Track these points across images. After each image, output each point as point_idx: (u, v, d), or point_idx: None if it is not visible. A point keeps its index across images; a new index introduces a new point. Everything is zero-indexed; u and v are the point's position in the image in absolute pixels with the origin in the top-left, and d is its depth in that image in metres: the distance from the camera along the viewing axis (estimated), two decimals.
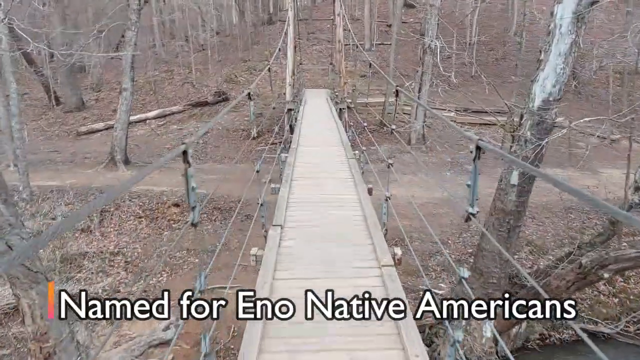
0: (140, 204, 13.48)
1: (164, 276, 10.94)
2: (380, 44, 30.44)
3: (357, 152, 9.07)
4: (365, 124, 14.83)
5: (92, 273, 10.72)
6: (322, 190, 6.85)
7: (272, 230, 5.30)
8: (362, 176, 7.62)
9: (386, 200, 5.74)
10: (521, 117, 8.34)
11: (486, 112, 22.48)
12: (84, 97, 25.77)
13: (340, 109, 17.97)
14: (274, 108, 16.17)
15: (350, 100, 19.68)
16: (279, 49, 13.51)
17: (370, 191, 6.63)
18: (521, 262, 12.15)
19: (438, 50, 16.89)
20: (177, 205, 13.45)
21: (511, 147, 8.49)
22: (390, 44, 30.65)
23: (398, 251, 4.65)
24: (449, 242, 12.44)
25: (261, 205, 5.65)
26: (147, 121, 22.40)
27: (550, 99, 7.86)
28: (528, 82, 8.77)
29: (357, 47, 23.29)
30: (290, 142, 10.51)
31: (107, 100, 25.73)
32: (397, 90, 5.04)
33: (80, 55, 20.66)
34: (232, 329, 9.75)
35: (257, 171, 5.67)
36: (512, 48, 28.44)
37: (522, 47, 23.94)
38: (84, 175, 16.49)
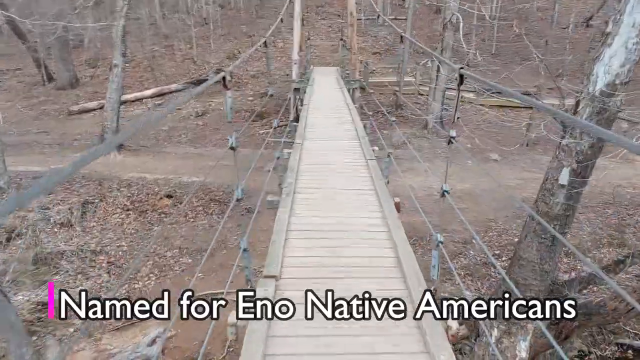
0: (129, 194, 12.13)
1: (152, 279, 9.65)
2: (393, 19, 28.54)
3: (376, 147, 7.69)
4: (392, 118, 13.36)
5: (70, 275, 9.46)
6: (336, 209, 5.12)
7: (260, 288, 3.50)
8: (386, 186, 5.88)
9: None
10: (577, 103, 6.81)
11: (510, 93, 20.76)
12: (78, 73, 24.30)
13: (351, 88, 16.47)
14: (271, 96, 14.67)
15: (362, 79, 18.14)
16: (281, 20, 11.76)
17: (397, 207, 5.17)
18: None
19: (461, 25, 15.21)
20: (169, 196, 12.10)
21: (563, 137, 6.98)
22: (404, 19, 28.81)
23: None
24: (473, 241, 11.02)
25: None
26: (144, 100, 20.96)
27: (617, 82, 6.33)
28: (556, 61, 7.21)
29: (378, 17, 21.60)
30: (295, 132, 8.99)
31: (102, 77, 24.19)
32: (461, 75, 3.47)
33: (70, 29, 19.17)
34: (227, 344, 8.49)
35: (238, 199, 4.14)
36: (534, 24, 26.51)
37: (554, 22, 22.03)
38: (71, 160, 15.13)
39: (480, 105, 20.15)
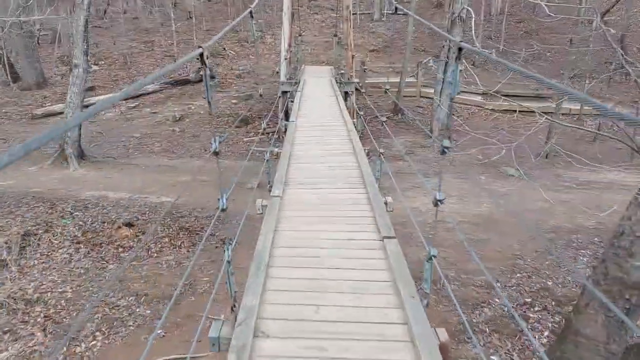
0: (81, 222, 10.08)
1: (98, 339, 7.63)
2: (392, 14, 26.57)
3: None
4: (382, 119, 11.42)
5: None
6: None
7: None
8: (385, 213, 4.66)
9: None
10: None
11: (523, 96, 18.93)
12: (48, 72, 22.11)
13: (346, 92, 14.53)
14: (260, 95, 12.79)
15: (358, 80, 16.18)
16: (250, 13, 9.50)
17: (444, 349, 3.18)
18: None
19: (472, 20, 13.27)
20: (129, 225, 10.05)
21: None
22: (402, 14, 26.82)
23: None
24: (498, 284, 9.07)
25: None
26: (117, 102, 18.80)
27: None
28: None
29: (395, 10, 19.72)
30: (283, 146, 7.25)
31: (88, 73, 22.02)
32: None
33: (44, 23, 17.10)
34: None
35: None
36: (543, 21, 24.59)
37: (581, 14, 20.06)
38: (25, 175, 13.08)
39: (490, 110, 18.28)
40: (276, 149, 7.10)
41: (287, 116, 12.64)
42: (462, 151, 15.25)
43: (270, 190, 5.17)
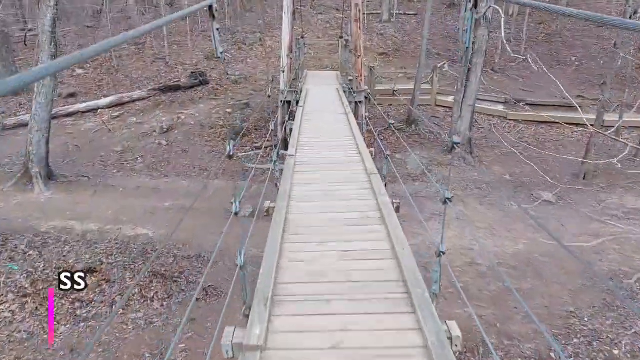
0: (32, 268, 8.22)
1: None
2: (401, 14, 24.70)
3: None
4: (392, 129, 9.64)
5: None
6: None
7: None
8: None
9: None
10: None
11: (549, 105, 17.02)
12: None
13: (356, 102, 12.74)
14: (268, 97, 11.01)
15: (367, 87, 14.34)
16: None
17: None
18: None
19: (502, 20, 11.39)
20: (92, 271, 8.19)
21: None
22: (414, 14, 24.96)
23: None
24: (551, 351, 7.16)
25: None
26: (99, 111, 16.99)
27: None
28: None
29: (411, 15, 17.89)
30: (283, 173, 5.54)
31: (58, 78, 20.21)
32: None
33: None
34: None
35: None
36: (566, 21, 22.70)
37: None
38: None
39: (513, 120, 16.38)
40: (268, 203, 5.17)
41: (287, 130, 10.80)
42: (487, 171, 13.36)
43: (247, 315, 3.12)
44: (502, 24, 11.72)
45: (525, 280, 8.52)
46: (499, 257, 9.12)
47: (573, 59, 19.90)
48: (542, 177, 13.21)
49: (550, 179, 13.12)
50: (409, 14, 24.62)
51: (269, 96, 14.17)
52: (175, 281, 8.23)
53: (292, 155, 6.48)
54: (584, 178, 12.74)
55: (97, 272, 8.20)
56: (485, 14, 12.86)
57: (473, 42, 13.20)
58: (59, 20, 27.19)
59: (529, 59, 12.71)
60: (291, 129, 9.01)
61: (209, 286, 8.17)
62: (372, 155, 6.71)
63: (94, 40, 23.12)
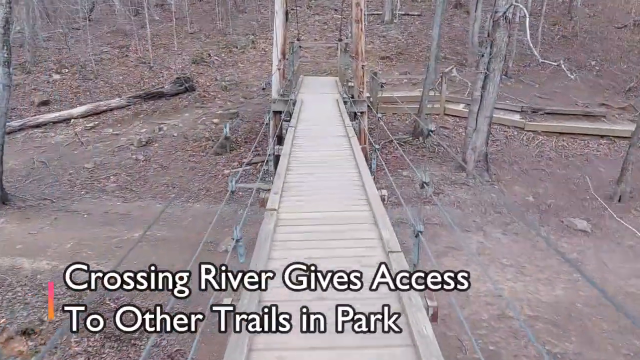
0: None
1: None
2: (404, 15, 23.10)
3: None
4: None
5: None
6: None
7: None
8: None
9: None
10: None
11: (570, 114, 15.40)
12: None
13: (357, 112, 11.18)
14: (263, 89, 9.31)
15: (369, 95, 12.74)
16: None
17: None
18: None
19: (527, 20, 9.80)
20: (28, 332, 6.53)
21: None
22: (417, 15, 23.37)
23: None
24: None
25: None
26: (72, 121, 15.36)
27: None
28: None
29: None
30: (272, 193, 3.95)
31: (33, 85, 18.61)
32: None
33: None
34: None
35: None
36: (584, 22, 21.13)
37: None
38: None
39: (532, 131, 14.76)
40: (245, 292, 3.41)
41: (279, 140, 9.14)
42: (507, 192, 11.73)
43: None
44: (527, 24, 10.12)
45: (569, 339, 6.88)
46: (533, 308, 7.48)
47: (593, 62, 18.31)
48: (570, 197, 11.64)
49: (579, 200, 11.54)
50: (412, 15, 23.02)
51: (264, 89, 12.48)
52: (134, 345, 6.58)
53: (274, 210, 4.57)
54: (619, 200, 11.11)
55: (36, 333, 6.55)
56: (505, 13, 11.26)
57: (491, 45, 11.61)
58: (46, 21, 25.52)
59: (563, 66, 11.06)
60: (277, 157, 7.37)
61: (176, 351, 6.54)
62: (383, 200, 4.92)
63: (77, 43, 21.54)
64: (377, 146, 6.70)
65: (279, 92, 11.89)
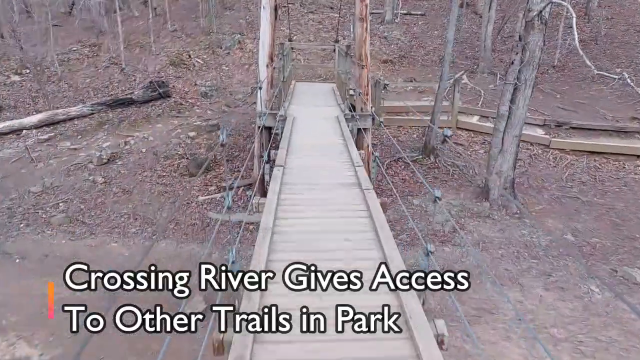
0: None
1: None
2: (406, 14, 21.07)
3: None
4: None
5: None
6: None
7: None
8: None
9: None
10: None
11: (600, 129, 13.45)
12: None
13: (360, 128, 9.18)
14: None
15: (371, 105, 10.71)
16: None
17: None
18: None
19: (574, 21, 7.87)
20: None
21: None
22: (420, 14, 21.37)
23: None
24: None
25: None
26: (24, 132, 13.13)
27: None
28: None
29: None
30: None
31: (22, 85, 16.35)
32: None
33: None
34: None
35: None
36: (602, 24, 19.24)
37: None
38: None
39: (558, 149, 12.78)
40: None
41: (269, 156, 6.98)
42: (540, 228, 9.69)
43: None
44: (574, 25, 8.15)
45: None
46: None
47: (618, 70, 16.37)
48: (617, 235, 9.66)
49: (625, 239, 9.57)
50: (415, 14, 21.01)
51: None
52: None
53: (257, 290, 2.76)
54: None
55: None
56: (541, 12, 9.27)
57: (522, 51, 9.60)
58: (26, 15, 23.11)
59: (628, 80, 9.09)
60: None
61: None
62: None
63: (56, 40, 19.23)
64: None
65: (267, 103, 9.83)
